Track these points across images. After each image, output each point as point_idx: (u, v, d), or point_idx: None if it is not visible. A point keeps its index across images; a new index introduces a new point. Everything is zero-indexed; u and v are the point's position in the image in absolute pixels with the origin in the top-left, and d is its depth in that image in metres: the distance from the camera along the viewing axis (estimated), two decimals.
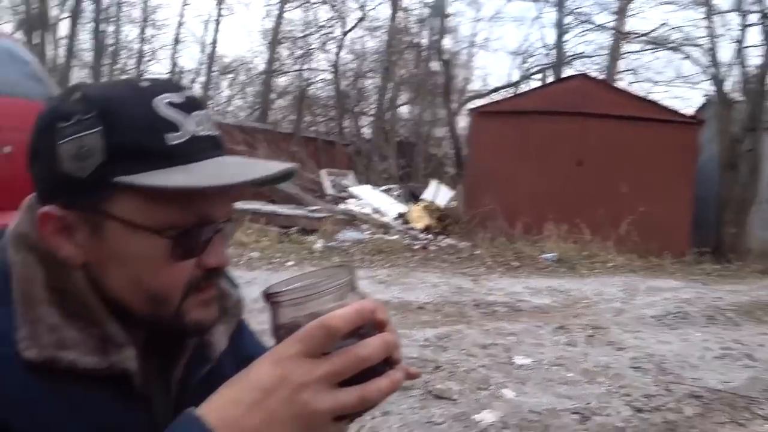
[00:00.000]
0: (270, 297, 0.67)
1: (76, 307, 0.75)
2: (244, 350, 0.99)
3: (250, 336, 1.07)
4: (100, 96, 0.74)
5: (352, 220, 10.28)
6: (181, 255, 0.75)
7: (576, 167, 9.98)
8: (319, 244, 8.75)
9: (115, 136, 0.71)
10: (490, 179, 10.18)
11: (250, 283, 5.83)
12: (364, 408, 0.64)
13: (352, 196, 11.77)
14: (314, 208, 10.66)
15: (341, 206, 11.00)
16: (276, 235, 9.26)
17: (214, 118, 0.79)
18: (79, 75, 18.73)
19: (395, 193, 12.77)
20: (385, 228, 10.05)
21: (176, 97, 0.75)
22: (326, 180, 12.60)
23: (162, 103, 0.73)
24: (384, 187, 13.13)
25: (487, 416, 3.04)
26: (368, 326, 0.65)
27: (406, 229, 10.26)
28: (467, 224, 10.21)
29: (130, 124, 0.72)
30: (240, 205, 10.00)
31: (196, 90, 18.80)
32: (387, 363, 0.66)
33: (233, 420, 0.61)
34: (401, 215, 10.98)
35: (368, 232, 9.84)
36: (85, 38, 20.61)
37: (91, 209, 0.74)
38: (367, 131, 19.27)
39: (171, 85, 0.77)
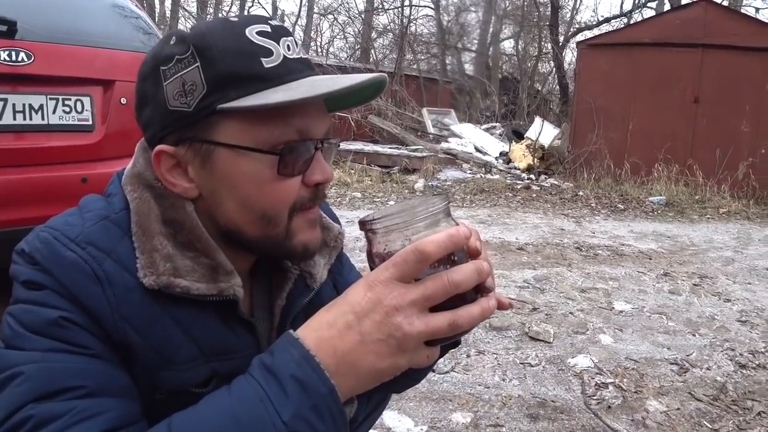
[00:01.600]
0: (365, 225, 0.69)
1: (188, 238, 0.82)
2: (343, 283, 1.06)
3: (350, 269, 1.13)
4: (195, 35, 0.80)
5: (453, 159, 10.28)
6: (287, 171, 0.80)
7: (691, 104, 9.39)
8: (420, 184, 8.85)
9: (212, 68, 0.77)
10: (597, 116, 9.78)
11: (353, 222, 6.07)
12: (455, 333, 0.65)
13: (453, 135, 11.73)
14: (416, 147, 10.72)
15: (443, 145, 10.99)
16: (378, 174, 9.44)
17: (302, 43, 0.85)
18: (184, 26, 19.43)
19: (498, 131, 12.60)
20: (487, 167, 10.00)
21: (265, 27, 0.80)
22: (428, 119, 12.59)
23: (253, 32, 0.79)
24: (486, 126, 12.98)
25: (582, 361, 3.09)
26: (461, 253, 0.67)
27: (508, 168, 10.16)
28: (571, 164, 9.97)
29: (224, 55, 0.77)
30: (343, 145, 10.25)
31: (297, 33, 19.07)
32: (479, 291, 0.67)
33: (328, 341, 0.65)
34: (503, 154, 10.87)
35: (470, 171, 9.83)
36: None
37: (200, 140, 0.80)
38: (469, 68, 18.93)
39: (259, 17, 0.82)
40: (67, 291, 0.74)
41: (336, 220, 1.07)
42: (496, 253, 5.32)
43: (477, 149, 10.93)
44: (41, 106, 2.71)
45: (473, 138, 11.41)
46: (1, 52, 2.57)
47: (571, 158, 10.03)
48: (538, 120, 11.16)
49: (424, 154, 9.97)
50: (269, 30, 0.80)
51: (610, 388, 2.84)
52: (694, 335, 3.56)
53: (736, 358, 3.22)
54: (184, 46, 0.79)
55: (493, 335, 3.41)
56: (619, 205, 8.10)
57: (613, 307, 3.98)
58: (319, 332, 0.67)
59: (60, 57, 2.78)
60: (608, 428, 2.49)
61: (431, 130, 12.29)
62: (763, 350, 3.36)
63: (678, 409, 2.67)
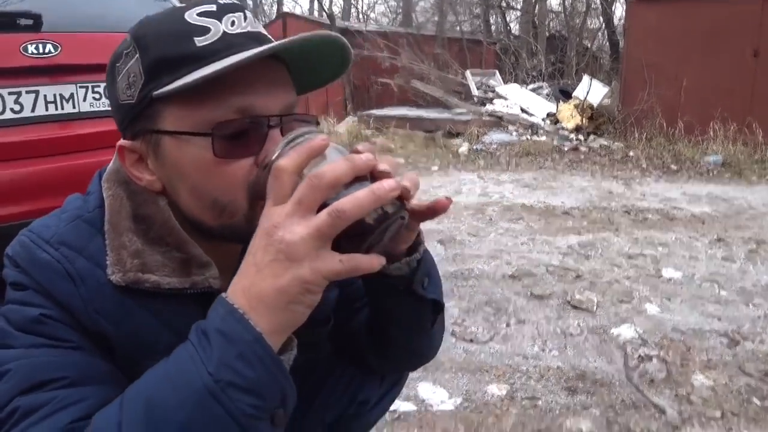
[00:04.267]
0: None
1: (159, 234, 0.83)
2: None
3: None
4: (137, 27, 0.80)
5: (498, 121, 10.08)
6: (225, 152, 0.76)
7: (751, 58, 8.89)
8: (464, 148, 8.73)
9: (147, 56, 0.77)
10: (649, 73, 9.36)
11: None
12: (343, 221, 0.61)
13: (498, 97, 11.47)
14: (460, 110, 10.55)
15: (487, 107, 10.78)
16: (422, 139, 9.34)
17: (254, 17, 0.79)
18: None
19: (545, 91, 12.24)
20: (534, 128, 9.77)
21: (210, 7, 0.78)
22: (471, 81, 12.32)
23: (193, 14, 0.77)
24: (532, 86, 12.63)
25: (625, 331, 3.00)
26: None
27: (555, 129, 9.90)
28: (622, 123, 9.63)
29: (157, 40, 0.77)
30: (386, 111, 10.17)
31: None
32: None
33: (236, 285, 0.67)
34: (550, 115, 10.58)
35: (516, 133, 9.62)
36: None
37: (147, 131, 0.80)
38: (514, 27, 18.39)
39: (208, 0, 0.80)
40: (44, 289, 0.79)
41: None
42: (540, 217, 5.22)
43: (523, 110, 10.66)
44: (72, 95, 2.75)
45: (519, 99, 11.12)
46: (29, 46, 2.60)
47: (621, 117, 9.70)
48: (586, 78, 10.79)
49: (469, 117, 9.80)
50: (214, 9, 0.78)
51: (654, 360, 2.75)
52: (747, 305, 3.40)
53: None
54: (129, 39, 0.80)
55: (534, 304, 3.36)
56: (672, 166, 7.79)
57: (662, 275, 3.84)
58: (232, 285, 0.68)
59: (86, 45, 2.80)
60: (650, 403, 2.43)
61: (475, 92, 12.02)
62: None
63: (726, 384, 2.57)
